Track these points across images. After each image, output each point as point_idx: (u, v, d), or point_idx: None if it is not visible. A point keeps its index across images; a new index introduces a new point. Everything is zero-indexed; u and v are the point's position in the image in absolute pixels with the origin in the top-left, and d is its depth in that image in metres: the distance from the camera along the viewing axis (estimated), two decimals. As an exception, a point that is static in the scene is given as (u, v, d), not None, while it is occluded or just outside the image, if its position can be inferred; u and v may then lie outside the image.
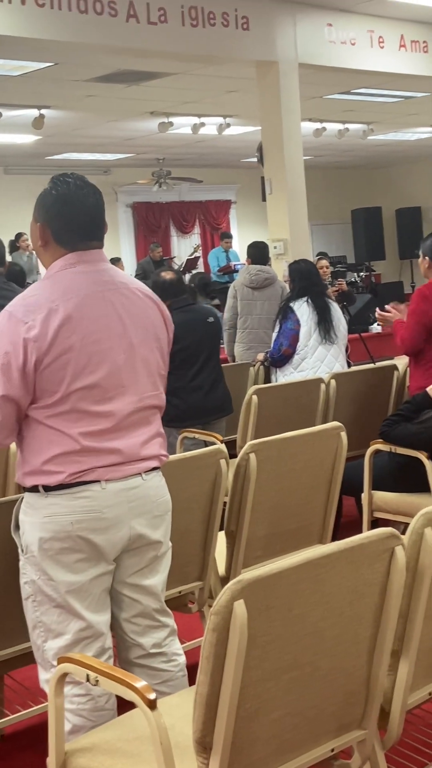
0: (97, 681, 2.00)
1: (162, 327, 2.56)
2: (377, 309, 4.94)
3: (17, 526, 2.45)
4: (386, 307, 4.90)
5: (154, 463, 2.49)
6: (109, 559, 2.43)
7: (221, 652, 1.81)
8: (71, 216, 2.42)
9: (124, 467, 2.40)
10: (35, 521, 2.37)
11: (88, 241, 2.45)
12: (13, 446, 3.84)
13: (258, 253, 7.06)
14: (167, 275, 4.99)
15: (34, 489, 2.38)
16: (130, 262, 15.35)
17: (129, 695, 1.92)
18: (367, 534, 2.04)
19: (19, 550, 2.44)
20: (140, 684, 1.90)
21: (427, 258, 4.69)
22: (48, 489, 2.36)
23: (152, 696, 1.88)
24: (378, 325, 10.08)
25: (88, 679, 2.01)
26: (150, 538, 2.48)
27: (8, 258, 11.83)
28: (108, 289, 2.43)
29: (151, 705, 1.88)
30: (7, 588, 2.64)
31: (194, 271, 13.24)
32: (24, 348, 2.29)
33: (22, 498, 2.45)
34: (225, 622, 1.79)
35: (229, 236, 14.68)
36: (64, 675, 2.09)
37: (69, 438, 2.34)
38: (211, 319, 5.08)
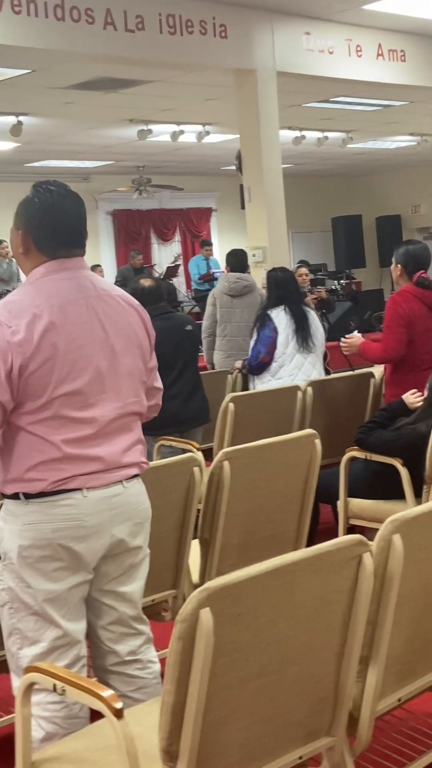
0: (63, 690, 1.98)
1: (144, 334, 2.56)
2: (342, 338, 4.92)
3: None
4: (348, 336, 4.89)
5: (135, 471, 2.49)
6: (89, 567, 2.42)
7: (187, 660, 1.81)
8: (54, 224, 2.42)
9: (105, 475, 2.40)
10: (15, 528, 2.36)
11: (70, 249, 2.45)
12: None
13: (236, 260, 7.07)
14: (146, 282, 4.99)
15: (14, 496, 2.37)
16: (110, 270, 15.33)
17: (96, 704, 1.91)
18: (335, 541, 2.04)
19: None
20: (107, 693, 1.89)
21: (399, 265, 4.71)
22: (29, 497, 2.35)
23: (119, 705, 1.87)
24: (358, 333, 10.12)
25: (55, 689, 2.00)
26: (130, 544, 2.48)
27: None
28: (90, 296, 2.43)
29: (118, 714, 1.87)
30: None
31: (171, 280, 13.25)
32: (9, 352, 2.28)
33: (1, 505, 2.44)
34: (191, 630, 1.79)
35: (210, 244, 14.71)
36: (32, 684, 2.08)
37: (51, 445, 2.33)
38: (189, 327, 5.07)
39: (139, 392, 2.53)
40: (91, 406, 2.37)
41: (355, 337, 4.82)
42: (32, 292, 2.38)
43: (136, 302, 2.58)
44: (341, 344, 4.95)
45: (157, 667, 2.61)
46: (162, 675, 2.60)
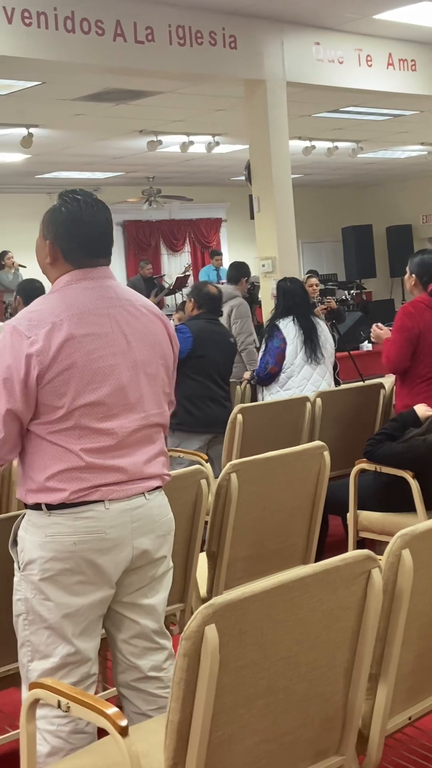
0: (68, 707, 1.96)
1: (167, 344, 2.55)
2: (374, 325, 4.91)
3: (15, 542, 2.42)
4: (380, 324, 4.88)
5: (157, 483, 2.48)
6: (112, 581, 2.40)
7: (192, 677, 1.78)
8: (81, 234, 2.42)
9: (127, 486, 2.38)
10: (36, 540, 2.34)
11: (96, 258, 2.45)
12: (14, 462, 3.83)
13: (230, 272, 7.52)
14: (212, 288, 5.52)
15: (36, 507, 2.36)
16: (120, 280, 15.27)
17: (100, 722, 1.89)
18: (343, 556, 2.01)
19: (15, 566, 2.41)
20: (111, 710, 1.86)
21: (413, 275, 4.68)
22: (51, 507, 2.33)
23: (123, 723, 1.84)
24: (369, 343, 10.09)
25: (59, 706, 1.97)
26: (153, 555, 2.46)
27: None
28: (112, 306, 2.42)
29: (123, 732, 1.84)
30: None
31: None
32: (27, 363, 2.28)
33: (24, 515, 2.42)
34: (196, 647, 1.76)
35: (219, 254, 14.70)
36: (36, 701, 2.06)
37: (72, 454, 2.32)
38: (232, 340, 5.59)
39: (161, 403, 2.51)
40: (112, 417, 2.36)
41: (386, 330, 4.77)
42: (54, 301, 2.38)
43: (160, 312, 2.57)
44: (372, 330, 4.92)
45: None
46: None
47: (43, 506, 2.34)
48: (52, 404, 2.31)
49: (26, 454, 2.38)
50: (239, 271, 7.36)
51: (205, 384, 5.22)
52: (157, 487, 2.48)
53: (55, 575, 2.33)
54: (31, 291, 5.31)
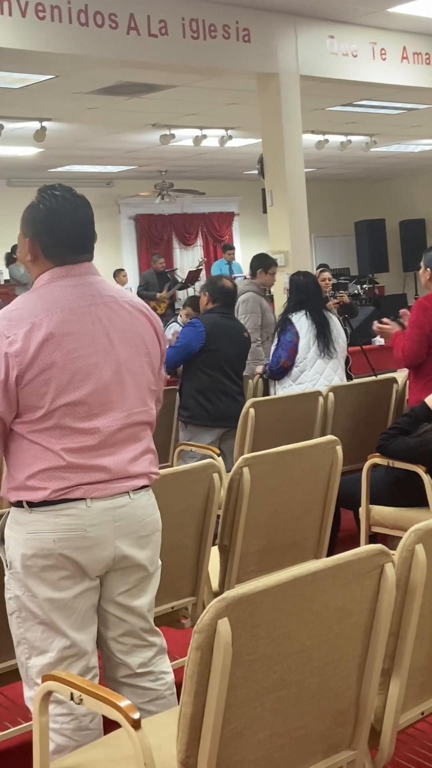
0: (81, 700, 1.96)
1: (153, 341, 2.50)
2: (375, 322, 4.90)
3: (2, 540, 2.42)
4: (384, 319, 4.86)
5: (143, 482, 2.44)
6: (93, 575, 2.38)
7: (205, 671, 1.78)
8: (60, 231, 2.38)
9: (111, 485, 2.36)
10: (19, 537, 2.34)
11: (78, 255, 2.41)
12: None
13: (250, 263, 7.44)
14: (227, 283, 5.52)
15: (18, 504, 2.35)
16: (132, 274, 15.33)
17: (113, 714, 1.89)
18: (356, 551, 2.00)
19: (4, 565, 2.41)
20: (124, 703, 1.87)
21: (428, 270, 4.66)
22: (32, 505, 2.32)
23: (136, 716, 1.84)
24: (381, 337, 10.06)
25: (72, 698, 1.98)
26: (135, 559, 2.43)
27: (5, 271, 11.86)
28: (94, 303, 2.38)
29: (135, 725, 1.84)
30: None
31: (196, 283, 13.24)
32: (5, 363, 2.25)
33: (8, 513, 2.42)
34: (209, 641, 1.76)
35: (232, 248, 14.68)
36: (49, 693, 2.06)
37: (53, 453, 2.30)
38: (246, 334, 5.51)
39: (147, 401, 2.47)
40: (94, 416, 2.33)
41: (392, 325, 4.75)
42: (33, 300, 2.34)
43: (146, 307, 2.52)
44: (375, 328, 4.90)
45: (171, 678, 2.57)
46: (180, 684, 2.58)
47: (25, 504, 2.33)
48: (32, 404, 2.28)
49: (9, 452, 2.37)
50: (258, 261, 7.28)
51: (218, 378, 5.22)
52: (143, 486, 2.45)
53: (39, 572, 2.32)
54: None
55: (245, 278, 7.43)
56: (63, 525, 2.31)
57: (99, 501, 2.34)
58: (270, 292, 8.11)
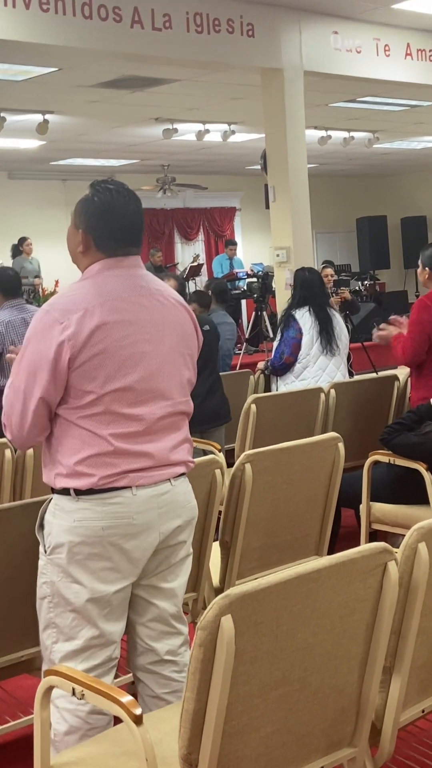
0: (83, 695, 1.96)
1: (193, 336, 2.58)
2: (373, 332, 4.88)
3: (42, 526, 2.44)
4: (382, 325, 4.85)
5: (182, 469, 2.50)
6: (139, 566, 2.41)
7: (208, 667, 1.78)
8: (113, 224, 2.44)
9: (154, 472, 2.41)
10: (64, 524, 2.36)
11: (128, 248, 2.48)
12: (30, 451, 3.85)
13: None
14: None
15: (64, 492, 2.37)
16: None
17: (114, 710, 1.89)
18: (359, 549, 2.00)
19: (41, 550, 2.43)
20: (126, 699, 1.87)
21: (427, 269, 4.65)
22: (79, 493, 2.35)
23: (138, 711, 1.85)
24: (380, 342, 10.04)
25: (74, 693, 1.98)
26: (175, 540, 2.49)
27: (9, 263, 11.85)
28: (143, 295, 2.44)
29: (137, 720, 1.85)
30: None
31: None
32: (58, 347, 2.30)
33: (50, 499, 2.44)
34: (212, 638, 1.76)
35: (234, 243, 14.66)
36: (51, 688, 2.06)
37: (101, 439, 2.34)
38: (206, 328, 5.21)
39: (186, 392, 2.54)
40: (141, 403, 2.39)
41: (391, 329, 4.75)
42: (86, 288, 2.40)
43: (186, 304, 2.59)
44: (374, 337, 4.89)
45: None
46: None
47: (72, 491, 2.35)
48: (82, 388, 2.33)
49: (54, 437, 2.40)
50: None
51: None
52: (182, 474, 2.51)
53: (84, 559, 2.35)
54: (6, 280, 5.26)
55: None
56: (110, 513, 2.34)
57: (144, 489, 2.38)
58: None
